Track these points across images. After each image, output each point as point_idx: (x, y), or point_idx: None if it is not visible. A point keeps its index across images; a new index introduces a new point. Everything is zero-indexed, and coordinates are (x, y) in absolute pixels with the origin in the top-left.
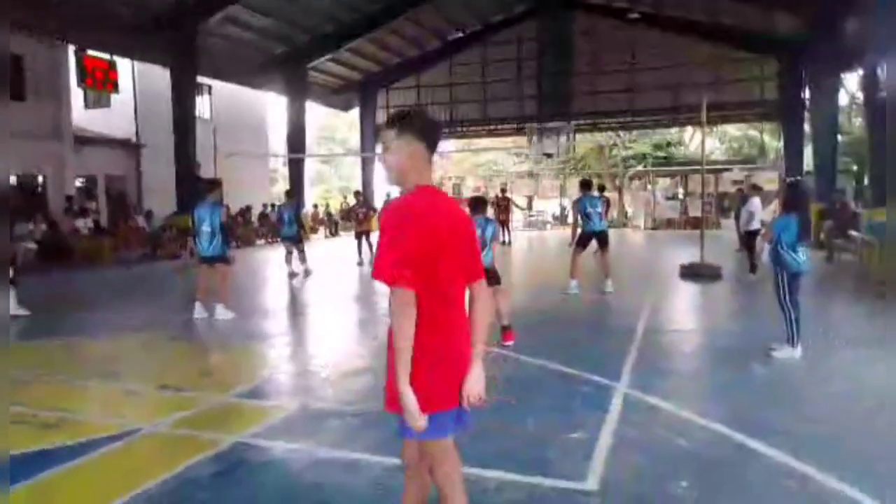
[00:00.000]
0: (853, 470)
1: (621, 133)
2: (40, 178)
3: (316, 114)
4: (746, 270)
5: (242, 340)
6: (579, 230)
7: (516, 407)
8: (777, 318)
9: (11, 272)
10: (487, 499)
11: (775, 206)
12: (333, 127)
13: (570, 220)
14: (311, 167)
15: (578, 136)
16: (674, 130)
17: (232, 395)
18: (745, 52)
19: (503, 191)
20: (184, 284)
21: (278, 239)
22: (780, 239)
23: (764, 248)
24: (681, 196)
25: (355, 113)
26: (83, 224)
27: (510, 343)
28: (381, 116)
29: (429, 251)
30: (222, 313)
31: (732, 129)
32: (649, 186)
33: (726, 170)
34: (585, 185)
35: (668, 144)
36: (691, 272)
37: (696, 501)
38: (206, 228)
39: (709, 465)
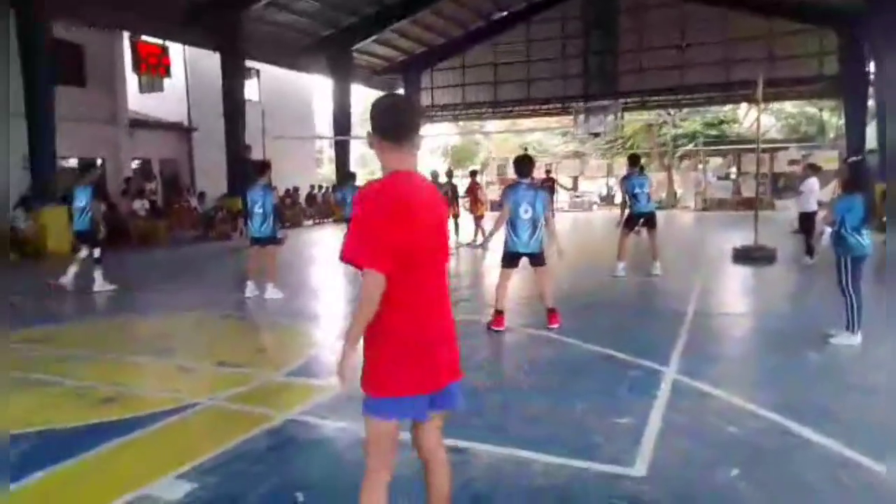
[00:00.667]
0: None
1: (671, 111)
2: (98, 161)
3: (360, 96)
4: (803, 253)
5: (292, 319)
6: (627, 211)
7: (563, 391)
8: (834, 302)
9: (98, 251)
10: (535, 483)
11: (834, 186)
12: None
13: (618, 200)
14: (355, 149)
15: (626, 115)
16: (726, 108)
17: (283, 373)
18: (800, 24)
19: (548, 172)
20: (235, 264)
21: (337, 220)
22: (844, 221)
23: (825, 231)
24: (733, 176)
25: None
26: (140, 205)
27: (555, 326)
28: (425, 98)
29: (403, 236)
30: (272, 292)
31: (789, 106)
32: (700, 166)
33: (782, 149)
34: (634, 161)
35: (721, 122)
36: (744, 255)
37: (747, 489)
38: (258, 210)
39: (759, 453)
